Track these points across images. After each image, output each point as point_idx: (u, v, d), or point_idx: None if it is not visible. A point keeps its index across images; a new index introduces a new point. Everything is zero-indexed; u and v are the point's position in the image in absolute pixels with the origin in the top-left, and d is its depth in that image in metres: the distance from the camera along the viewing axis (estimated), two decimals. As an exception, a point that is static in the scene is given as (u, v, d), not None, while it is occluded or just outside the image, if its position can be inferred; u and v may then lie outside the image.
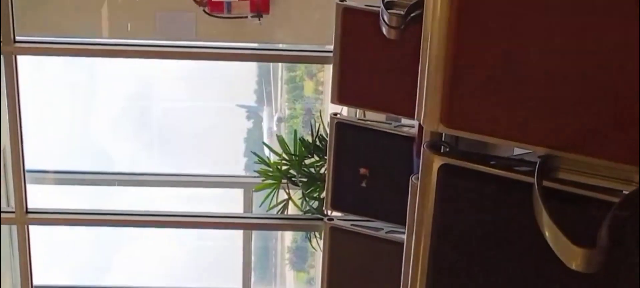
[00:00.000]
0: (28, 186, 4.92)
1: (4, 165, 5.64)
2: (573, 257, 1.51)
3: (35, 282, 5.17)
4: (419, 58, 1.75)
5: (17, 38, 4.56)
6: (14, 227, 5.04)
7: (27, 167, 4.87)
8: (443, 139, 1.84)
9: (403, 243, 2.05)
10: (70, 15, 6.73)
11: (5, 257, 6.44)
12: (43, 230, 5.59)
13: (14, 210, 4.93)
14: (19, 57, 4.64)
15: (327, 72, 6.22)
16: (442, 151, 1.82)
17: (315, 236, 5.31)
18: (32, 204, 4.97)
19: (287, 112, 10.17)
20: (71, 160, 8.96)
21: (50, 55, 5.20)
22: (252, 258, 5.72)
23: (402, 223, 2.23)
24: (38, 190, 5.66)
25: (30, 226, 4.97)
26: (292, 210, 5.32)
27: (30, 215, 4.92)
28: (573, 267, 1.51)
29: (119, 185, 6.62)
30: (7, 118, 4.68)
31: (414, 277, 1.95)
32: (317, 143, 5.20)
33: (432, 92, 1.71)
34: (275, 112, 10.02)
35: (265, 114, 10.30)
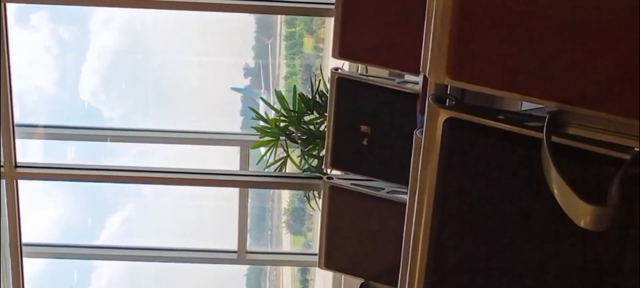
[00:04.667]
0: (17, 141, 4.92)
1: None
2: (582, 214, 1.51)
3: (24, 240, 5.20)
4: (424, 10, 1.75)
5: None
6: (3, 182, 5.04)
7: (16, 121, 4.88)
8: (448, 93, 1.84)
9: (405, 204, 2.05)
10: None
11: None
12: (33, 186, 5.58)
13: (2, 163, 4.93)
14: (8, 5, 4.63)
15: (328, 29, 6.20)
16: (447, 104, 1.82)
17: (314, 197, 5.33)
18: (21, 159, 4.98)
19: (285, 69, 10.17)
20: (61, 115, 8.96)
21: (40, 3, 5.17)
22: (248, 219, 5.73)
23: (404, 182, 2.23)
24: (27, 144, 5.68)
25: (20, 181, 4.97)
26: (290, 169, 5.34)
27: (19, 170, 4.92)
28: (582, 225, 1.52)
29: (111, 140, 6.62)
30: (-4, 68, 4.70)
31: (416, 237, 1.95)
32: (317, 99, 5.20)
33: (438, 43, 1.71)
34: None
35: (263, 71, 10.29)
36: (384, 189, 3.83)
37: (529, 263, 1.90)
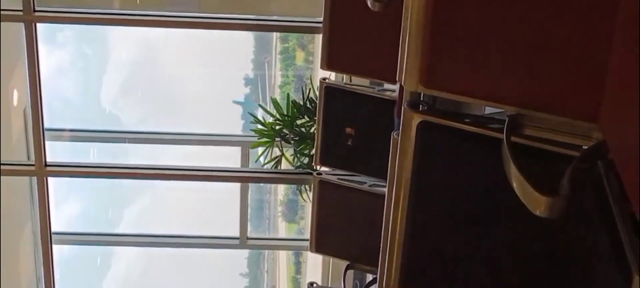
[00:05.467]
0: (46, 143, 4.90)
1: (25, 124, 5.64)
2: (538, 204, 1.51)
3: (53, 229, 5.18)
4: (400, 29, 1.74)
5: (36, 8, 4.52)
6: (35, 179, 5.02)
7: (45, 126, 4.86)
8: (422, 99, 1.84)
9: (384, 196, 2.05)
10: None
11: (27, 207, 6.45)
12: (61, 182, 5.56)
13: (34, 163, 4.91)
14: (39, 27, 4.60)
15: (317, 44, 6.20)
16: (420, 109, 1.82)
17: (306, 190, 5.32)
18: (50, 158, 4.96)
19: (280, 79, 10.17)
20: (85, 120, 8.95)
21: (66, 23, 5.16)
22: (249, 210, 5.72)
23: (384, 177, 2.23)
24: (55, 146, 5.66)
25: (49, 178, 4.96)
26: (284, 166, 5.33)
27: (49, 168, 4.91)
28: (537, 213, 1.51)
29: (128, 142, 6.61)
30: (28, 80, 4.66)
31: (394, 225, 1.95)
32: (308, 105, 5.19)
33: (412, 55, 1.70)
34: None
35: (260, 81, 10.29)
36: (366, 183, 3.82)
37: (492, 247, 1.90)
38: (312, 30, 5.00)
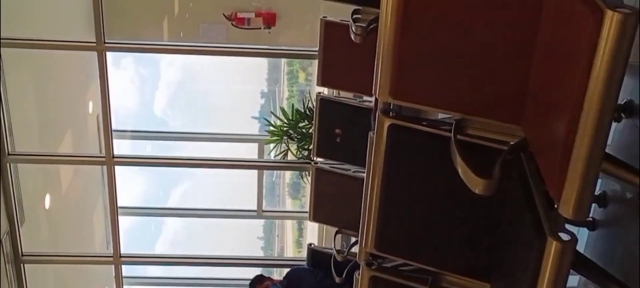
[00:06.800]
0: (114, 141, 4.90)
1: (98, 127, 5.63)
2: (476, 185, 1.51)
3: (119, 204, 5.18)
4: (375, 55, 1.74)
5: (106, 40, 4.51)
6: (105, 168, 5.02)
7: (113, 128, 4.86)
8: (391, 108, 1.83)
9: (363, 179, 2.05)
10: (141, 26, 6.69)
11: (99, 188, 6.46)
12: (125, 170, 5.54)
13: (104, 155, 4.91)
14: (108, 54, 4.59)
15: (314, 67, 6.22)
16: (390, 115, 1.81)
17: (306, 175, 5.32)
18: (116, 152, 4.97)
19: (287, 93, 10.17)
20: (142, 124, 8.95)
21: (128, 51, 5.15)
22: (263, 190, 5.72)
23: (363, 165, 2.22)
24: (120, 143, 5.65)
25: (116, 167, 4.95)
26: (290, 157, 5.33)
27: (115, 159, 4.90)
28: (477, 192, 1.51)
29: (174, 140, 6.60)
30: (100, 94, 4.66)
31: (371, 202, 1.94)
32: (307, 112, 5.19)
33: (384, 75, 1.70)
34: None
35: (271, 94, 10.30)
36: (350, 169, 3.81)
37: (445, 218, 1.90)
38: (310, 57, 4.99)
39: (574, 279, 2.43)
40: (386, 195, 1.90)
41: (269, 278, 4.51)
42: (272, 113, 5.84)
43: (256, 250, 10.39)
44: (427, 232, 1.95)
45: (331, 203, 4.00)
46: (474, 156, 1.58)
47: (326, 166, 3.91)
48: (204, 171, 6.54)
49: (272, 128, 5.33)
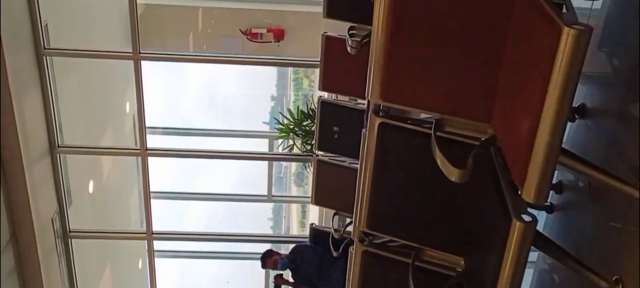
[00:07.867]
0: (147, 135, 4.89)
1: (134, 124, 5.62)
2: (452, 174, 1.51)
3: (152, 189, 5.18)
4: (367, 64, 1.74)
5: (141, 50, 4.51)
6: (139, 158, 5.02)
7: (147, 125, 4.86)
8: (381, 108, 1.83)
9: (357, 170, 2.04)
10: (171, 39, 6.67)
11: (134, 175, 6.45)
12: (157, 161, 5.54)
13: (139, 148, 4.90)
14: (142, 63, 4.59)
15: (316, 74, 6.22)
16: (380, 115, 1.81)
17: (309, 166, 5.32)
18: (150, 145, 4.96)
19: (293, 97, 10.16)
20: (171, 122, 8.94)
21: (160, 61, 5.14)
22: (273, 178, 5.71)
23: (357, 157, 2.22)
24: (153, 138, 5.64)
25: (149, 158, 4.95)
26: (295, 151, 5.32)
27: (148, 151, 4.90)
28: (452, 179, 1.51)
29: (198, 136, 6.59)
30: (135, 96, 4.65)
31: (363, 189, 1.94)
32: (310, 113, 5.18)
33: (375, 80, 1.69)
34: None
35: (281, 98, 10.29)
36: (346, 161, 3.81)
37: (426, 202, 1.90)
38: (313, 66, 4.99)
39: (534, 255, 2.43)
40: (376, 182, 1.90)
41: (277, 253, 4.51)
42: (280, 113, 5.84)
43: (266, 229, 10.39)
44: (411, 214, 1.95)
45: (330, 190, 3.99)
46: (451, 149, 1.58)
47: (326, 159, 3.91)
48: (222, 162, 6.54)
49: (280, 126, 5.33)
